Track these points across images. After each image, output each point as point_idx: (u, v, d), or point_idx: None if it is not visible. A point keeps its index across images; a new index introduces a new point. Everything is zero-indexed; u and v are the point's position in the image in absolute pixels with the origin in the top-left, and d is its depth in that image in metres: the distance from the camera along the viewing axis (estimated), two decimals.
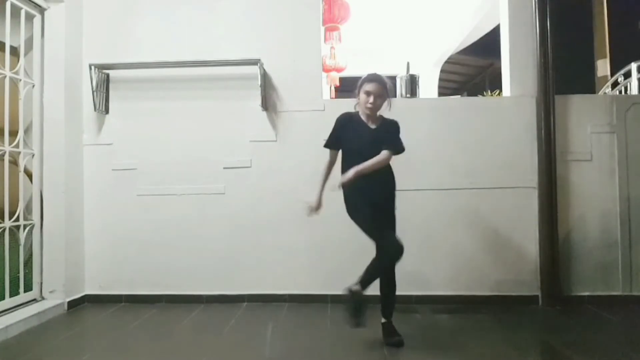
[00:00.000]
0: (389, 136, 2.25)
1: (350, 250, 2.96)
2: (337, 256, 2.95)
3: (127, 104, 3.09)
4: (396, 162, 2.95)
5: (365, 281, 2.10)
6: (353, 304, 2.07)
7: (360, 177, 2.12)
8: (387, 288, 2.28)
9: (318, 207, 2.28)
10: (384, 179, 2.27)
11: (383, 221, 2.22)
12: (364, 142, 2.21)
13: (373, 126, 2.24)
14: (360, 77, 2.25)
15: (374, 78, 2.17)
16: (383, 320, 2.28)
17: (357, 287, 2.08)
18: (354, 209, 2.23)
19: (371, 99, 2.14)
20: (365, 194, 2.18)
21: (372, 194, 2.19)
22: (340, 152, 2.30)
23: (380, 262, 2.17)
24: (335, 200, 2.95)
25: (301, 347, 2.21)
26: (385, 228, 2.19)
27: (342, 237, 2.96)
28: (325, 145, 2.30)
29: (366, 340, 2.26)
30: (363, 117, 2.24)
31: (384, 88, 2.16)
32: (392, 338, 2.18)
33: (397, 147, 2.28)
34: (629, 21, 8.31)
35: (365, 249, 2.95)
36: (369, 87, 2.15)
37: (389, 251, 2.13)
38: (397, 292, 2.91)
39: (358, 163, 2.14)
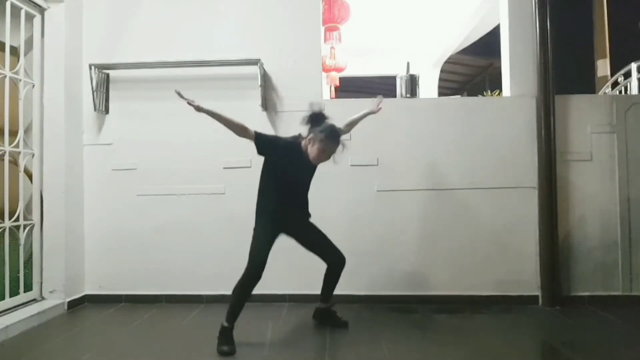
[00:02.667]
0: (310, 173, 2.37)
1: (349, 250, 2.96)
2: None
3: (127, 104, 3.09)
4: (396, 162, 2.97)
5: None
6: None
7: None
8: (337, 277, 2.44)
9: (197, 108, 2.22)
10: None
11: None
12: (303, 177, 2.32)
13: (313, 162, 2.25)
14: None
15: (339, 140, 2.19)
16: (324, 305, 2.48)
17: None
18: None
19: (322, 158, 2.20)
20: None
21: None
22: (267, 171, 2.27)
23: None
24: (335, 200, 2.96)
25: (301, 346, 2.21)
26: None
27: (340, 237, 2.95)
28: (257, 140, 2.17)
29: (366, 340, 2.26)
30: (304, 151, 2.23)
31: (341, 149, 2.21)
32: (341, 319, 2.44)
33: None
34: (629, 21, 8.31)
35: (364, 249, 2.97)
36: (328, 146, 2.16)
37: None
38: (397, 292, 2.93)
39: (296, 196, 2.29)
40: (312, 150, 2.20)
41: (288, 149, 2.23)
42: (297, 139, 2.28)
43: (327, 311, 2.49)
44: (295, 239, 2.36)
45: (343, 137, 2.25)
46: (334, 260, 2.38)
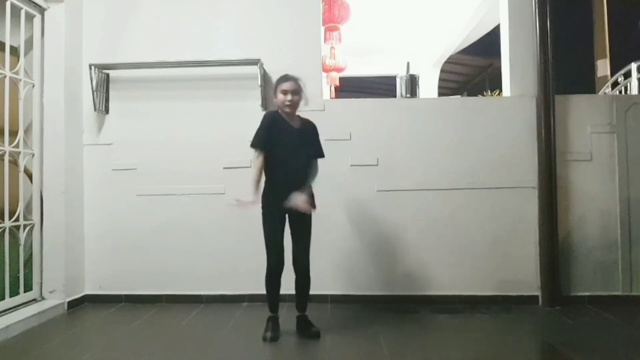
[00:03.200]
0: (314, 142, 2.37)
1: (348, 250, 2.97)
2: (336, 256, 2.96)
3: (127, 104, 3.09)
4: (396, 162, 2.97)
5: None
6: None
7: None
8: (303, 286, 2.36)
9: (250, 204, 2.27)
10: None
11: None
12: (291, 143, 2.29)
13: (296, 126, 2.32)
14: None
15: (288, 77, 2.30)
16: (299, 313, 2.38)
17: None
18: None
19: (289, 97, 2.25)
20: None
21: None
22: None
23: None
24: (335, 200, 2.96)
25: (301, 346, 2.21)
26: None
27: (341, 237, 2.97)
28: (256, 146, 2.26)
29: (366, 340, 2.26)
30: (285, 117, 2.31)
31: (298, 85, 2.29)
32: (312, 329, 2.32)
33: (322, 154, 2.39)
34: (629, 21, 8.31)
35: (364, 249, 2.97)
36: (285, 86, 2.26)
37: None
38: (397, 292, 2.93)
39: (289, 164, 2.27)
40: (279, 102, 2.28)
41: (272, 122, 2.29)
42: (267, 112, 2.37)
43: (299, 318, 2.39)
44: (288, 216, 2.31)
45: (296, 78, 2.32)
46: (295, 257, 2.30)
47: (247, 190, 3.04)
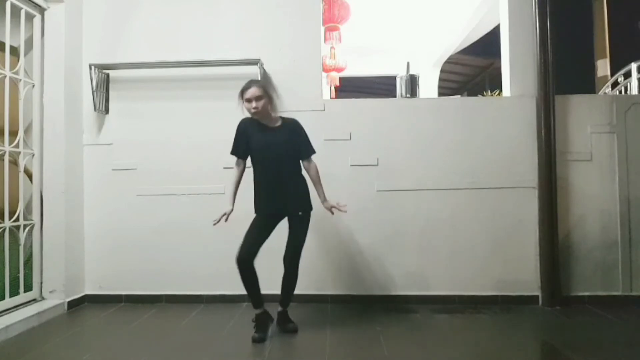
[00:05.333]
0: (299, 141, 2.35)
1: (348, 250, 2.97)
2: (336, 256, 2.96)
3: (127, 104, 3.09)
4: (396, 162, 2.97)
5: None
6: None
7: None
8: (288, 281, 2.40)
9: (227, 213, 2.34)
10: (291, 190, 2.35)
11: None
12: (269, 146, 2.28)
13: (275, 128, 2.32)
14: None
15: (251, 83, 2.28)
16: (280, 309, 2.43)
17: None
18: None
19: (253, 104, 2.22)
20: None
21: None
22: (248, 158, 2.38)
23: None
24: (334, 201, 2.96)
25: (301, 346, 2.21)
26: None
27: (341, 237, 2.97)
28: (234, 153, 2.37)
29: (366, 340, 2.26)
30: (262, 122, 2.31)
31: (261, 89, 2.25)
32: (288, 324, 2.39)
33: (311, 152, 2.39)
34: (629, 21, 8.31)
35: (364, 249, 2.97)
36: (247, 94, 2.23)
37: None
38: (397, 292, 2.93)
39: (270, 167, 2.28)
40: (246, 111, 2.27)
41: (244, 129, 2.32)
42: (241, 120, 2.36)
43: (280, 314, 2.44)
44: (288, 218, 2.35)
45: (260, 82, 2.37)
46: (286, 253, 2.35)
47: (247, 190, 3.05)
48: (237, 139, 2.35)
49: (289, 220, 2.36)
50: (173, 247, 3.01)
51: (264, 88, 2.28)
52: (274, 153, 2.28)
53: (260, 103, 2.23)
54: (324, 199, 2.40)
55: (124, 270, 3.03)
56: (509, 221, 2.92)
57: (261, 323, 2.31)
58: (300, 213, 2.33)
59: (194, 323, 2.58)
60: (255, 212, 2.34)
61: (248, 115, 2.31)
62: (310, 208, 2.37)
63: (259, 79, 2.88)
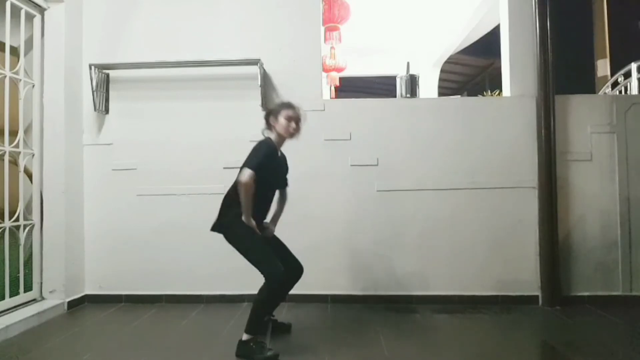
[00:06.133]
0: (286, 172, 2.38)
1: (348, 250, 2.97)
2: (336, 256, 2.96)
3: (127, 104, 3.09)
4: (396, 162, 2.97)
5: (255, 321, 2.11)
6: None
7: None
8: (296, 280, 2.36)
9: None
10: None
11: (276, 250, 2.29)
12: (277, 174, 2.29)
13: (280, 156, 2.32)
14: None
15: (293, 105, 2.24)
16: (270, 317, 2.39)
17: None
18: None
19: (293, 124, 2.21)
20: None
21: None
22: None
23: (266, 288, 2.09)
24: (335, 200, 2.96)
25: (301, 346, 2.21)
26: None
27: (341, 237, 2.97)
28: (255, 169, 2.06)
29: (366, 340, 2.26)
30: (277, 145, 2.25)
31: (301, 115, 2.25)
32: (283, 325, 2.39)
33: (287, 184, 2.40)
34: (629, 21, 8.31)
35: (364, 249, 2.97)
36: (292, 112, 2.21)
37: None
38: (397, 292, 2.93)
39: (269, 193, 2.27)
40: (282, 128, 2.19)
41: (270, 151, 2.17)
42: (268, 141, 2.21)
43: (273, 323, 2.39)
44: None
45: (299, 107, 2.28)
46: (297, 267, 2.30)
47: None
48: (264, 157, 2.11)
49: (274, 243, 2.34)
50: (173, 247, 3.01)
51: (302, 114, 2.27)
52: (277, 182, 2.32)
53: (299, 126, 2.24)
54: (275, 221, 2.38)
55: (124, 270, 3.03)
56: (509, 221, 2.92)
57: (263, 347, 2.06)
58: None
59: (194, 323, 2.58)
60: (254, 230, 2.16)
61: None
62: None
63: (259, 79, 2.88)
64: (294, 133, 2.23)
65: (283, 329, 2.40)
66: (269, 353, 2.01)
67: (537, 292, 2.87)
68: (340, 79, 6.09)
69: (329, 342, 2.23)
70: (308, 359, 2.07)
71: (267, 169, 2.13)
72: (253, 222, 2.11)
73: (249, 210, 2.08)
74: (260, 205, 2.23)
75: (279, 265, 2.05)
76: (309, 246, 2.91)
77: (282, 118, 2.20)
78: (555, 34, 2.88)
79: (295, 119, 2.22)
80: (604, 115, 2.92)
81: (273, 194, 2.33)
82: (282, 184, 2.37)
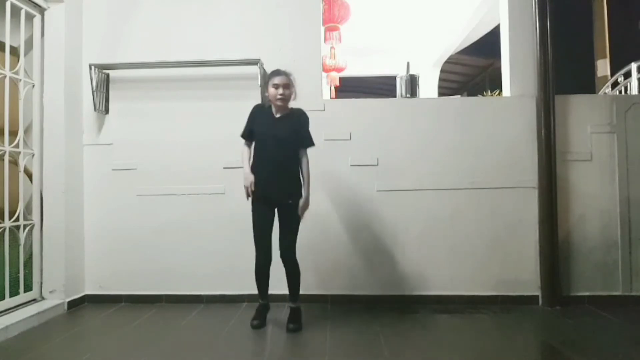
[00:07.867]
0: (301, 131, 2.42)
1: (349, 250, 2.97)
2: (336, 256, 2.96)
3: (127, 104, 3.09)
4: (396, 162, 2.97)
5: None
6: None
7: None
8: (292, 277, 2.48)
9: (251, 181, 2.38)
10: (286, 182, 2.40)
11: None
12: (272, 134, 2.37)
13: (282, 117, 2.41)
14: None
15: (280, 72, 2.38)
16: (290, 304, 2.51)
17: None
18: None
19: (280, 90, 2.34)
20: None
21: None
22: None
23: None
24: (335, 200, 2.96)
25: (301, 346, 2.21)
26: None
27: (341, 237, 2.97)
28: (242, 135, 2.50)
29: (366, 340, 2.26)
30: (274, 109, 2.42)
31: (289, 80, 2.38)
32: (289, 324, 2.42)
33: (309, 143, 2.44)
34: (629, 21, 8.31)
35: (364, 249, 2.97)
36: (277, 80, 2.34)
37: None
38: (397, 292, 2.93)
39: (270, 155, 2.36)
40: (271, 96, 2.37)
41: (255, 114, 2.47)
42: (256, 104, 2.53)
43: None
44: (277, 210, 2.40)
45: (288, 73, 2.40)
46: (281, 253, 2.40)
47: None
48: (247, 122, 2.47)
49: (278, 211, 2.40)
50: (173, 247, 3.01)
51: (292, 79, 2.39)
52: (275, 141, 2.35)
53: (287, 92, 2.36)
54: (306, 196, 2.41)
55: (124, 270, 3.03)
56: (509, 221, 2.92)
57: (259, 312, 2.50)
58: (290, 201, 2.37)
59: (194, 323, 2.58)
60: (255, 200, 2.40)
61: (263, 100, 2.42)
62: (300, 196, 2.40)
63: (259, 79, 2.88)
64: (281, 99, 2.35)
65: (287, 328, 2.42)
66: (253, 321, 2.44)
67: (537, 292, 2.87)
68: (340, 79, 6.09)
69: (329, 342, 2.23)
70: (308, 358, 2.07)
71: (256, 125, 2.42)
72: (247, 169, 2.40)
73: (246, 166, 2.42)
74: (261, 155, 2.39)
75: (261, 256, 2.38)
76: (308, 246, 2.91)
77: (270, 87, 2.37)
78: (555, 34, 2.88)
79: (282, 85, 2.33)
80: (604, 115, 2.92)
81: (277, 152, 2.35)
82: (288, 145, 2.37)
